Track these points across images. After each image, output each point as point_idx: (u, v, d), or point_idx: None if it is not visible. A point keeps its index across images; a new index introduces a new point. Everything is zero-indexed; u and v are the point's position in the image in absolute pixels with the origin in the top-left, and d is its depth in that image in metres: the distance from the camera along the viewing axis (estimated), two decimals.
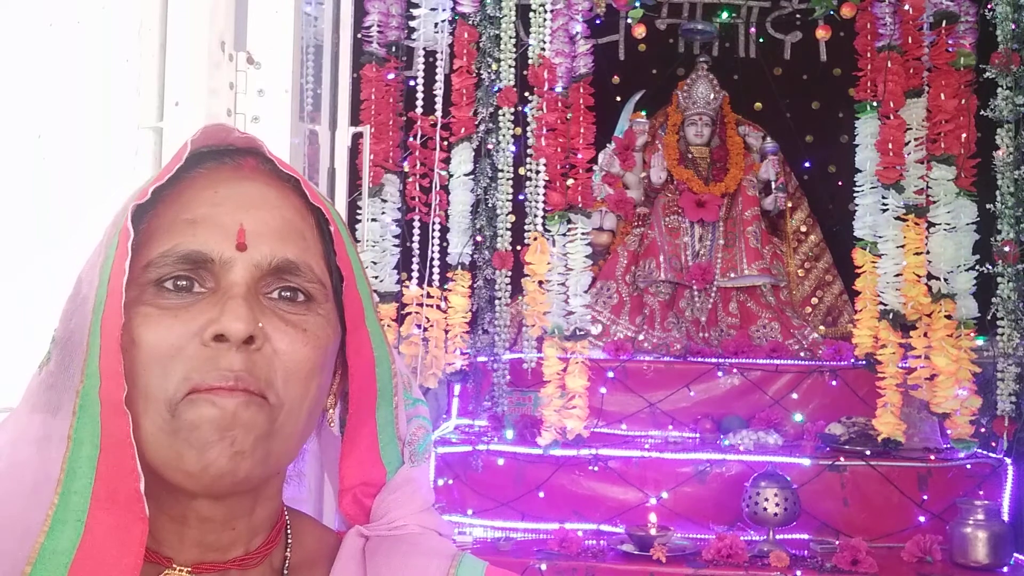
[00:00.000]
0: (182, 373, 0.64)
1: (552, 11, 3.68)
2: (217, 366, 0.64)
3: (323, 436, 0.83)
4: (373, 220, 3.67)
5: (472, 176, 3.72)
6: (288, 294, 0.69)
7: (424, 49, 3.75)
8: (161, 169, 0.70)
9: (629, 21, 4.76)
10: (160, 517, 0.67)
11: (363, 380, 0.77)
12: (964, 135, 3.55)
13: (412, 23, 3.73)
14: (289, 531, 0.76)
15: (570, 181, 3.68)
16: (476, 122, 3.71)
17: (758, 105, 5.02)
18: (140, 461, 0.63)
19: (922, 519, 3.35)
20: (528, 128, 3.70)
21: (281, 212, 0.70)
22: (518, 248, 3.69)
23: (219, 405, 0.63)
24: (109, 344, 0.63)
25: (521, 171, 3.70)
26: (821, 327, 4.45)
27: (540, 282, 3.59)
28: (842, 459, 3.45)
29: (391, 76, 3.82)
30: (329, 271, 0.73)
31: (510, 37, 3.68)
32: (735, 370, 3.96)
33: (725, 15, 5.04)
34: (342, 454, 0.80)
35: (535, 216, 3.64)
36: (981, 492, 3.37)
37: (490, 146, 3.72)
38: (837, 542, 3.18)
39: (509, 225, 3.69)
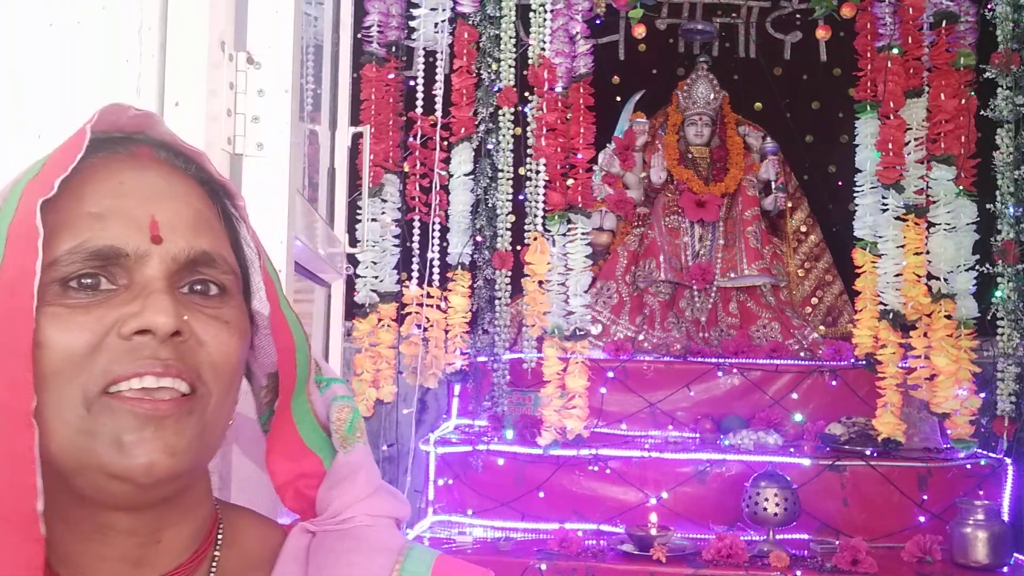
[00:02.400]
0: (101, 366, 0.60)
1: (552, 11, 3.68)
2: (141, 355, 0.60)
3: (247, 435, 0.80)
4: (373, 220, 3.67)
5: (472, 176, 3.72)
6: (200, 287, 0.65)
7: (424, 49, 3.75)
8: (51, 156, 0.64)
9: (629, 21, 4.75)
10: (71, 538, 0.63)
11: (287, 368, 0.73)
12: (964, 135, 3.55)
13: (412, 23, 3.73)
14: (221, 530, 0.71)
15: (570, 181, 3.68)
16: (476, 122, 3.71)
17: (758, 105, 5.02)
18: (49, 473, 0.59)
19: (922, 519, 3.36)
20: (528, 128, 3.70)
21: (190, 200, 0.67)
22: (518, 248, 3.69)
23: (140, 415, 0.59)
24: (12, 346, 0.58)
25: (521, 171, 3.70)
26: (821, 327, 4.45)
27: (540, 282, 3.59)
28: (842, 459, 3.45)
29: (391, 76, 3.82)
30: (237, 259, 0.70)
31: (510, 37, 3.68)
32: (735, 370, 3.96)
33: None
34: (267, 450, 0.76)
35: (535, 216, 3.64)
36: (981, 492, 3.37)
37: (490, 146, 3.72)
38: (837, 542, 3.18)
39: (509, 225, 3.69)
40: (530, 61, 3.68)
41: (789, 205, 4.71)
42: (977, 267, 3.54)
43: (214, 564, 0.69)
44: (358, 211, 3.17)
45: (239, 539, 0.72)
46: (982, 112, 3.59)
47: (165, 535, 0.66)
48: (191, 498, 0.68)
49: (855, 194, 3.75)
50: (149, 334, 0.60)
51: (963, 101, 3.55)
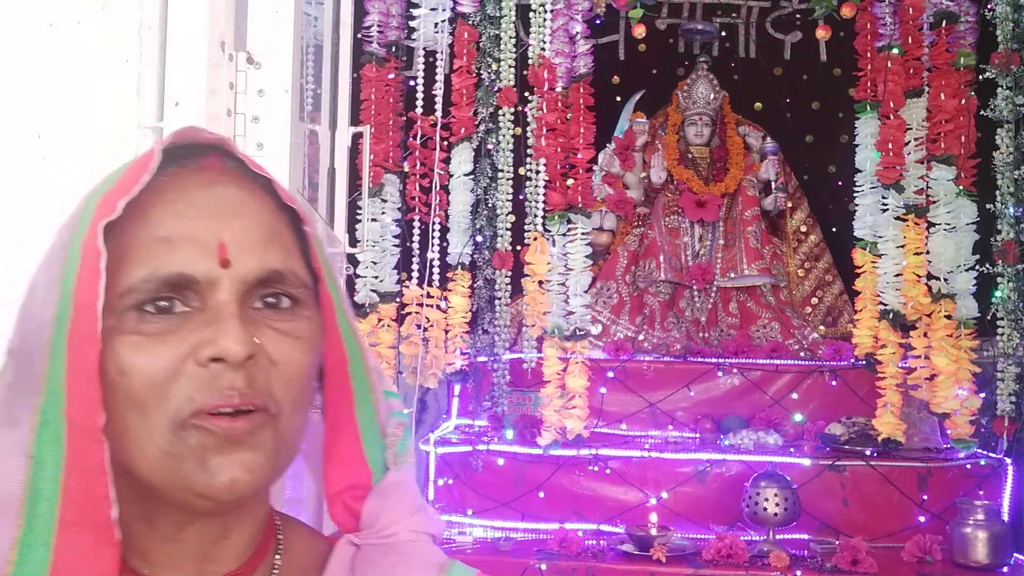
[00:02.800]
0: (184, 394, 0.62)
1: (552, 11, 3.68)
2: (219, 386, 0.62)
3: (308, 446, 0.82)
4: (373, 220, 3.67)
5: (472, 176, 3.72)
6: (272, 300, 0.66)
7: (424, 49, 3.75)
8: (123, 175, 0.65)
9: (629, 21, 4.75)
10: (153, 538, 0.66)
11: (338, 380, 0.75)
12: (964, 135, 3.55)
13: (412, 23, 3.73)
14: (280, 538, 0.75)
15: (570, 181, 3.68)
16: (476, 122, 3.71)
17: (758, 105, 5.02)
18: (135, 483, 0.63)
19: (922, 519, 3.36)
20: (528, 128, 3.70)
21: (259, 216, 0.67)
22: (518, 248, 3.69)
23: (221, 435, 0.62)
24: (80, 367, 0.61)
25: (521, 171, 3.70)
26: (821, 327, 4.45)
27: (540, 282, 3.59)
28: (842, 459, 3.45)
29: (391, 76, 3.82)
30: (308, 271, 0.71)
31: (510, 37, 3.68)
32: (735, 370, 3.96)
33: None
34: (324, 459, 0.78)
35: (535, 216, 3.64)
36: (981, 492, 3.37)
37: (490, 146, 3.72)
38: (837, 542, 3.18)
39: (509, 225, 3.69)
40: (530, 61, 3.68)
41: (789, 205, 4.71)
42: (977, 267, 3.53)
43: (276, 568, 0.73)
44: (358, 211, 3.17)
45: (293, 546, 0.76)
46: (982, 112, 3.59)
47: (232, 533, 0.70)
48: (254, 502, 0.71)
49: (855, 194, 3.75)
50: (223, 361, 0.62)
51: (963, 101, 3.55)
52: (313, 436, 0.80)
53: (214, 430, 0.62)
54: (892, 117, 3.61)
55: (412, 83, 3.82)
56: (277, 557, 0.73)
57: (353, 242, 1.95)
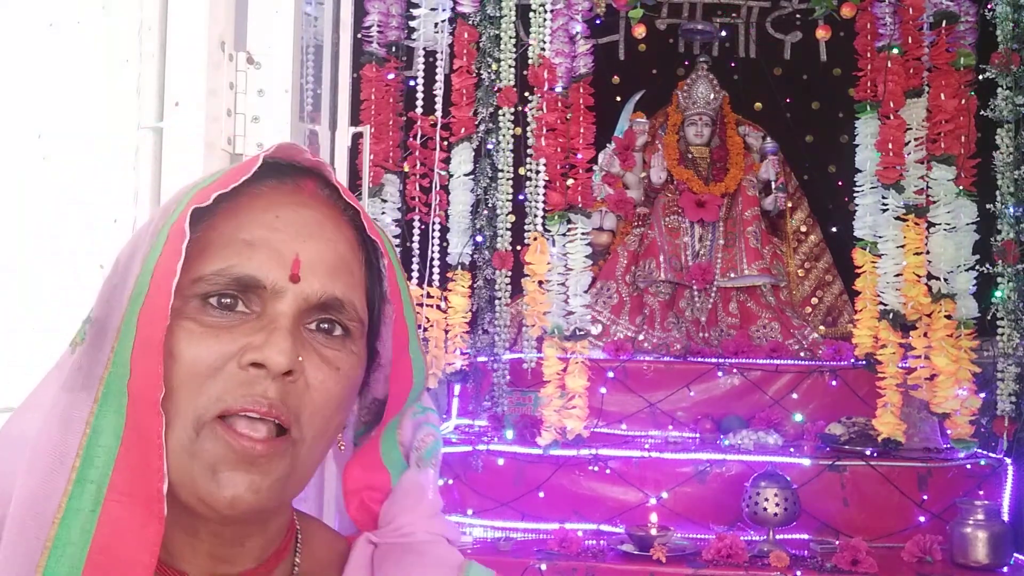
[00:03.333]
0: (216, 393, 0.64)
1: (552, 11, 3.68)
2: (252, 391, 0.64)
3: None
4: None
5: (472, 176, 3.72)
6: (326, 326, 0.69)
7: (424, 49, 3.74)
8: (225, 173, 0.69)
9: (629, 21, 4.75)
10: (173, 528, 0.67)
11: (396, 404, 0.79)
12: (964, 135, 3.55)
13: (412, 23, 3.73)
14: (299, 539, 0.76)
15: (570, 181, 3.68)
16: (476, 122, 3.71)
17: (758, 105, 5.02)
18: None
19: (922, 519, 3.35)
20: (528, 128, 3.70)
21: (335, 246, 0.70)
22: (518, 248, 3.69)
23: (238, 450, 0.64)
24: (149, 340, 0.63)
25: (521, 171, 3.70)
26: (821, 327, 4.45)
27: (540, 282, 3.59)
28: (842, 459, 3.45)
29: (391, 76, 3.82)
30: (370, 305, 0.74)
31: (510, 37, 3.68)
32: (735, 370, 3.96)
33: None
34: (349, 461, 0.81)
35: (535, 216, 3.64)
36: (981, 492, 3.37)
37: (490, 146, 3.72)
38: (837, 542, 3.18)
39: (509, 225, 3.69)
40: (530, 61, 3.68)
41: (789, 205, 4.71)
42: (977, 267, 3.53)
43: (296, 567, 0.75)
44: None
45: (312, 546, 0.77)
46: (982, 112, 3.59)
47: (248, 541, 0.71)
48: (275, 512, 0.72)
49: (855, 194, 3.75)
50: (264, 369, 0.64)
51: (963, 101, 3.55)
52: (348, 445, 0.84)
53: (233, 445, 0.63)
54: (892, 117, 3.61)
55: (412, 83, 3.82)
56: (297, 558, 0.75)
57: None
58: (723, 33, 5.08)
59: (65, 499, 0.61)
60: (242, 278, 0.66)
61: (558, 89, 3.67)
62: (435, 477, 0.83)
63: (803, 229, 4.76)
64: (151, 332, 0.63)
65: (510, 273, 3.68)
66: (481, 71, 3.71)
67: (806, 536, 3.34)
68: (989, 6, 3.64)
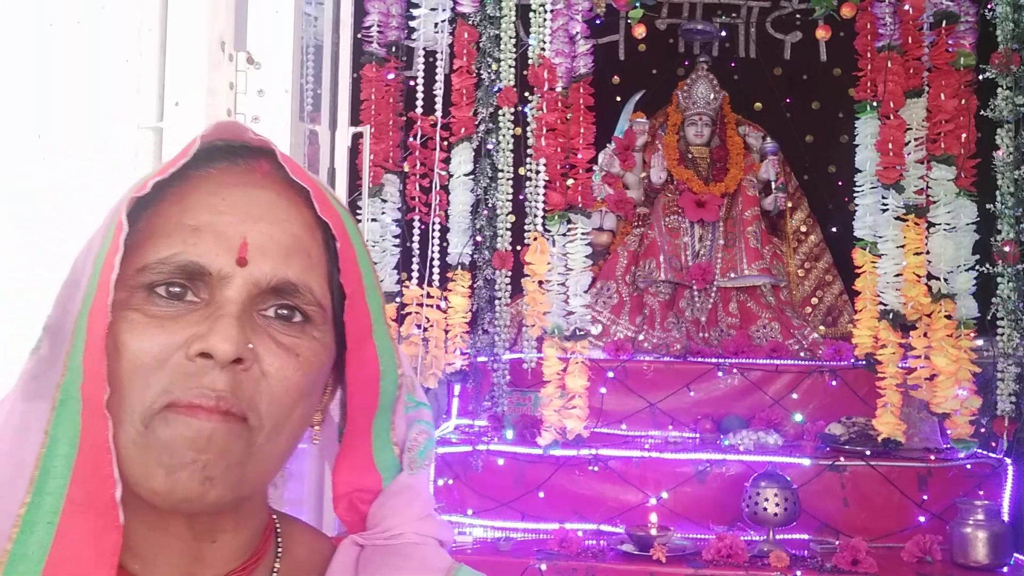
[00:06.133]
0: (162, 386, 0.61)
1: (552, 11, 3.68)
2: (199, 383, 0.61)
3: (324, 440, 0.81)
4: (373, 220, 3.67)
5: (472, 176, 3.72)
6: (285, 312, 0.66)
7: (424, 49, 3.75)
8: (166, 162, 0.66)
9: (629, 21, 4.76)
10: (139, 528, 0.65)
11: (365, 393, 0.74)
12: (964, 135, 3.55)
13: (412, 23, 3.73)
14: (280, 540, 0.74)
15: (570, 181, 3.68)
16: (476, 122, 3.71)
17: (758, 105, 5.02)
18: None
19: (922, 519, 3.35)
20: (528, 128, 3.70)
21: (288, 226, 0.67)
22: (518, 248, 3.69)
23: (194, 428, 0.61)
24: (94, 341, 0.60)
25: (521, 171, 3.70)
26: (821, 327, 4.45)
27: (540, 282, 3.59)
28: (842, 459, 3.45)
29: (391, 76, 3.82)
30: (331, 290, 0.70)
31: (510, 37, 3.68)
32: (735, 370, 3.96)
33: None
34: (336, 461, 0.78)
35: (535, 216, 3.64)
36: (981, 492, 3.37)
37: (490, 146, 3.72)
38: (837, 542, 3.18)
39: (509, 225, 3.69)
40: (530, 61, 3.68)
41: (789, 205, 4.71)
42: (977, 267, 3.53)
43: (275, 571, 0.72)
44: (358, 211, 3.17)
45: (292, 548, 0.74)
46: (982, 112, 3.59)
47: (220, 537, 0.68)
48: (246, 508, 0.70)
49: (855, 194, 3.75)
50: (211, 359, 0.61)
51: (963, 101, 3.55)
52: (330, 439, 0.80)
53: (187, 420, 0.61)
54: (892, 117, 3.61)
55: (412, 83, 3.82)
56: (276, 561, 0.72)
57: None
58: (723, 33, 5.08)
59: (23, 511, 0.59)
60: (186, 266, 0.63)
61: (558, 89, 3.67)
62: (428, 479, 0.80)
63: (803, 229, 4.76)
64: (96, 332, 0.60)
65: (510, 273, 3.68)
66: (481, 71, 3.71)
67: (806, 536, 3.34)
68: (989, 6, 3.64)
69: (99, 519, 0.60)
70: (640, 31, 4.72)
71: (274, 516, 0.75)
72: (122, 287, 0.62)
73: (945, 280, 3.52)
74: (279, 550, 0.73)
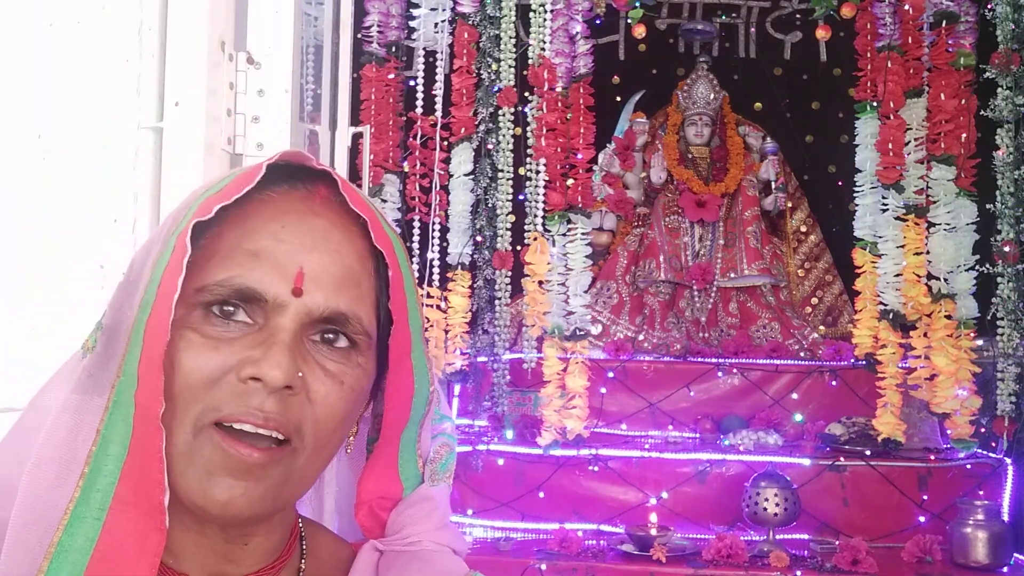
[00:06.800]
0: (213, 402, 0.64)
1: (552, 11, 3.68)
2: (248, 403, 0.64)
3: (355, 451, 0.84)
4: None
5: (472, 176, 3.72)
6: (331, 336, 0.68)
7: (424, 49, 3.74)
8: (232, 179, 0.68)
9: (629, 21, 4.76)
10: (176, 527, 0.67)
11: (398, 410, 0.78)
12: (964, 135, 3.55)
13: (412, 23, 3.73)
14: (304, 544, 0.77)
15: (570, 181, 3.68)
16: (476, 122, 3.71)
17: (758, 105, 5.02)
18: None
19: (922, 519, 3.35)
20: (528, 128, 3.70)
21: (342, 257, 0.69)
22: (518, 248, 3.69)
23: (235, 459, 0.64)
24: (152, 354, 0.63)
25: (521, 171, 3.70)
26: (821, 327, 4.45)
27: (540, 282, 3.59)
28: (842, 459, 3.45)
29: (391, 76, 3.82)
30: (378, 315, 0.73)
31: (510, 37, 3.68)
32: (735, 370, 3.96)
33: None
34: (365, 469, 0.81)
35: (535, 216, 3.64)
36: (981, 492, 3.37)
37: (490, 146, 3.72)
38: (837, 542, 3.18)
39: (509, 225, 3.69)
40: (530, 61, 3.68)
41: (789, 205, 4.71)
42: (977, 267, 3.53)
43: (301, 572, 0.75)
44: None
45: (317, 551, 0.78)
46: (982, 112, 3.59)
47: (252, 540, 0.71)
48: (279, 516, 0.72)
49: (855, 194, 3.75)
50: (261, 382, 0.64)
51: (963, 101, 3.55)
52: (359, 450, 0.83)
53: (230, 452, 0.64)
54: (892, 117, 3.61)
55: (412, 83, 3.82)
56: (302, 562, 0.75)
57: None
58: (723, 33, 5.07)
59: (72, 505, 0.61)
60: (243, 290, 0.65)
61: (558, 89, 3.67)
62: (447, 491, 0.83)
63: (803, 229, 4.76)
64: (154, 347, 0.63)
65: (510, 273, 3.68)
66: (481, 71, 3.71)
67: (806, 536, 3.35)
68: (989, 6, 3.64)
69: (145, 519, 0.62)
70: (640, 31, 4.72)
71: (299, 521, 0.78)
72: (180, 304, 0.64)
73: (945, 280, 3.52)
74: (304, 553, 0.76)
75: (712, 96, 4.70)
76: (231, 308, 0.66)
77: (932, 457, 3.51)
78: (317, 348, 0.68)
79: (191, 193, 0.70)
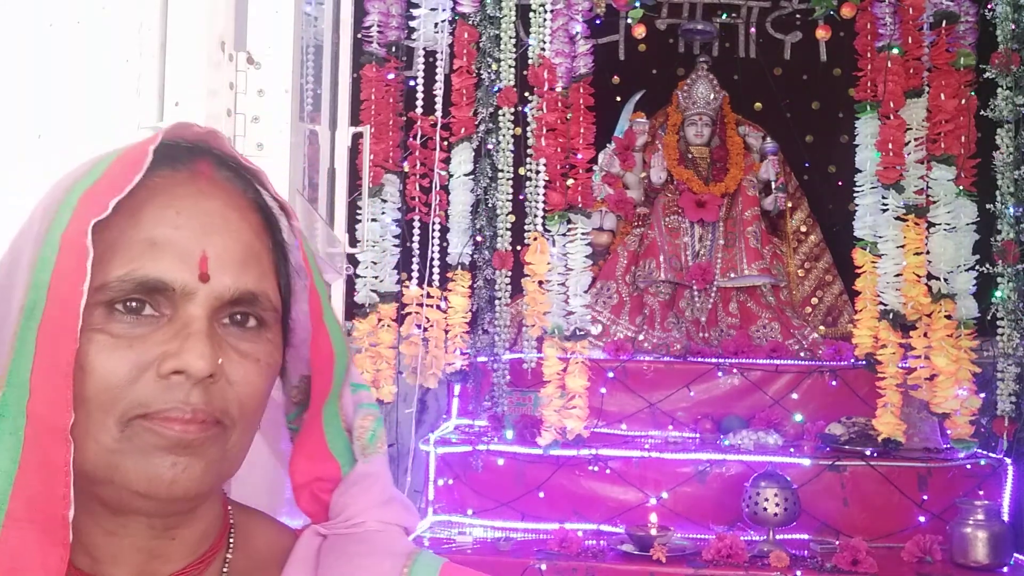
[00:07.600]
0: (137, 398, 0.62)
1: (552, 11, 3.68)
2: (175, 398, 0.62)
3: (266, 422, 0.81)
4: (373, 220, 3.67)
5: (472, 176, 3.72)
6: (240, 318, 0.67)
7: (424, 49, 3.75)
8: (109, 170, 0.64)
9: (629, 21, 4.76)
10: (95, 531, 0.66)
11: (322, 378, 0.76)
12: (964, 135, 3.55)
13: (412, 23, 3.73)
14: (232, 534, 0.74)
15: (570, 181, 3.68)
16: (476, 122, 3.71)
17: (758, 105, 5.02)
18: (77, 477, 0.61)
19: (922, 519, 3.36)
20: (528, 128, 3.70)
21: (241, 236, 0.68)
22: (518, 248, 3.69)
23: (170, 437, 0.62)
24: (52, 363, 0.60)
25: (521, 171, 3.70)
26: (821, 327, 4.45)
27: (540, 282, 3.59)
28: (842, 459, 3.45)
29: (391, 76, 3.82)
30: (279, 284, 0.72)
31: (510, 37, 3.68)
32: (735, 370, 3.96)
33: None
34: (293, 451, 0.78)
35: (535, 216, 3.64)
36: (981, 492, 3.37)
37: (490, 146, 3.72)
38: (837, 542, 3.18)
39: (509, 225, 3.69)
40: (530, 61, 3.68)
41: (789, 205, 4.71)
42: (977, 267, 3.53)
43: (226, 565, 0.72)
44: (358, 211, 3.17)
45: (250, 540, 0.75)
46: (982, 112, 3.59)
47: (179, 533, 0.69)
48: (204, 504, 0.71)
49: (855, 194, 3.75)
50: (184, 374, 0.62)
51: (963, 101, 3.55)
52: (277, 427, 0.81)
53: (166, 433, 0.62)
54: (892, 117, 3.61)
55: (412, 83, 3.82)
56: (228, 553, 0.73)
57: (353, 242, 1.95)
58: (723, 33, 5.07)
59: None
60: (148, 281, 0.63)
61: (558, 89, 3.67)
62: (385, 462, 0.80)
63: (803, 229, 4.76)
64: (56, 355, 0.60)
65: (510, 273, 3.68)
66: (481, 71, 3.71)
67: (806, 536, 3.35)
68: (989, 6, 3.64)
69: (44, 536, 0.59)
70: (640, 31, 4.72)
71: (230, 509, 0.75)
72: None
73: (945, 280, 3.52)
74: (231, 542, 0.73)
75: (712, 96, 4.70)
76: (136, 303, 0.63)
77: (932, 457, 3.51)
78: (228, 331, 0.66)
79: (54, 186, 0.66)
